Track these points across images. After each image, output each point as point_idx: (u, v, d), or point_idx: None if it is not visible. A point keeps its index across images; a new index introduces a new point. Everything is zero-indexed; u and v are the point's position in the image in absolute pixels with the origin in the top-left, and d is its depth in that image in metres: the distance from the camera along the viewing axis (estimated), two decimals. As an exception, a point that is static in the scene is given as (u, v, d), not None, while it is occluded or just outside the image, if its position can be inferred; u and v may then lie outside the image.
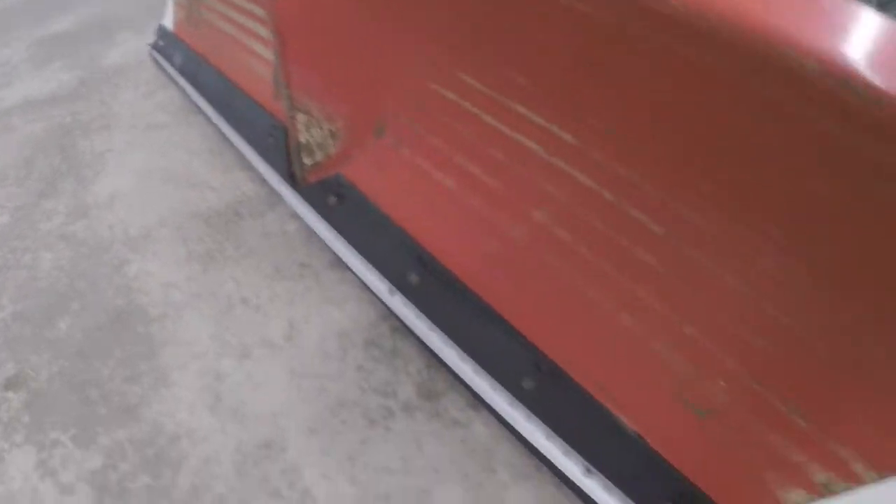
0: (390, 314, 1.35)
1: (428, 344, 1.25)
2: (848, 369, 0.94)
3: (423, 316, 1.26)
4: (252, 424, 1.30)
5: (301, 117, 1.47)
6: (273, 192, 1.66)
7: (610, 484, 1.08)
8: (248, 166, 1.77)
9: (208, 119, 2.05)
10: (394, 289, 1.30)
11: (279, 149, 1.53)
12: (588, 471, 1.09)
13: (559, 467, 1.11)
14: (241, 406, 1.33)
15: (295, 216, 1.57)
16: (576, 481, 1.10)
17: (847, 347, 0.94)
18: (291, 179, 1.50)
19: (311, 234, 1.53)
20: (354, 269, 1.38)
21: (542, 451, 1.12)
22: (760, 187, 0.95)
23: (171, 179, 1.87)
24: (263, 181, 1.69)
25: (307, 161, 1.48)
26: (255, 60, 1.77)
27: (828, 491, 0.97)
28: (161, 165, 1.94)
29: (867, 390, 0.92)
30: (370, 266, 1.35)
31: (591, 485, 1.08)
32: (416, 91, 1.33)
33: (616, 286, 1.09)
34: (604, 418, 1.12)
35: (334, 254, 1.47)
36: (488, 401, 1.18)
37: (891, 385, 0.90)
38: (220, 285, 1.52)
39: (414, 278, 1.30)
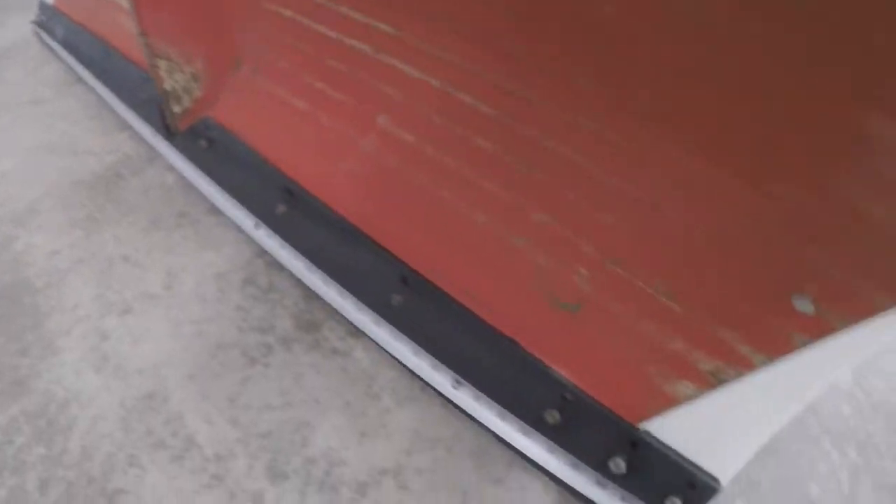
0: (265, 251, 1.26)
1: (294, 272, 1.16)
2: (720, 245, 0.84)
3: (287, 245, 1.16)
4: (135, 379, 1.20)
5: (163, 64, 1.35)
6: (151, 148, 1.55)
7: (481, 394, 0.99)
8: (128, 126, 1.66)
9: (89, 87, 1.93)
10: (259, 222, 1.20)
11: (151, 102, 1.42)
12: (457, 382, 1.00)
13: (431, 383, 1.03)
14: (124, 362, 1.23)
15: (173, 168, 1.46)
16: (447, 395, 1.01)
17: (716, 221, 0.83)
18: (166, 131, 1.39)
19: (189, 183, 1.42)
20: (227, 211, 1.28)
21: (413, 368, 1.04)
22: (591, 49, 0.84)
23: (55, 151, 1.75)
24: (142, 139, 1.58)
25: (176, 109, 1.37)
26: (124, 17, 1.64)
27: (718, 380, 0.88)
28: (45, 139, 1.82)
29: (745, 268, 0.82)
30: (239, 204, 1.25)
31: (462, 397, 1.00)
32: (258, 15, 1.22)
33: (464, 182, 1.00)
34: (476, 326, 1.03)
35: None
36: (355, 322, 1.09)
37: (771, 260, 0.80)
38: (102, 246, 1.41)
39: (281, 209, 1.19)
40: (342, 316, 1.12)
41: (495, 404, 0.96)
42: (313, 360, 1.12)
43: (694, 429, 0.96)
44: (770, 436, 0.93)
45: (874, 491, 1.18)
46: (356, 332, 1.14)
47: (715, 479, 0.96)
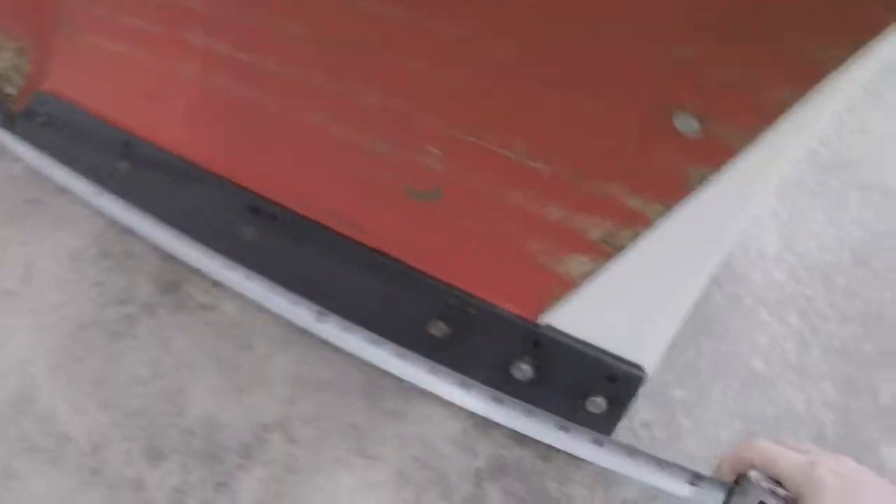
0: (116, 217, 1.01)
1: (145, 231, 0.91)
2: (570, 75, 0.61)
3: (132, 204, 0.92)
4: (2, 384, 0.95)
5: (-15, 46, 1.10)
6: (-3, 144, 1.30)
7: (350, 324, 0.75)
8: (-30, 133, 1.41)
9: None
10: (101, 188, 0.95)
11: (-18, 95, 1.16)
12: (320, 314, 0.76)
13: (293, 320, 0.79)
14: (-11, 370, 0.98)
15: (19, 156, 1.21)
16: (312, 331, 0.77)
17: (541, 39, 0.60)
18: (5, 118, 1.14)
19: (35, 167, 1.16)
20: (73, 185, 1.03)
21: (272, 307, 0.80)
22: None
23: None
24: (-14, 138, 1.32)
25: (10, 91, 1.12)
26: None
27: (613, 247, 0.65)
28: None
29: (599, 98, 0.60)
30: (82, 174, 1.00)
31: (328, 330, 0.76)
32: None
33: (286, 82, 0.76)
34: (335, 245, 0.79)
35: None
36: (207, 268, 0.84)
37: (629, 73, 0.58)
38: (-46, 261, 1.16)
39: (122, 167, 0.95)
40: (201, 266, 0.88)
41: (369, 330, 0.72)
42: (179, 322, 0.88)
43: (602, 312, 0.73)
44: (689, 305, 0.70)
45: (824, 357, 0.96)
46: (220, 280, 0.89)
47: (638, 367, 0.72)
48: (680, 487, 0.67)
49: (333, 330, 0.75)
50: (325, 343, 0.86)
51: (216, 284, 0.92)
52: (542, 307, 0.74)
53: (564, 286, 0.73)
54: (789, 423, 0.91)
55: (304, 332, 0.88)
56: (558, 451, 0.82)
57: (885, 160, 1.33)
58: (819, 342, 1.00)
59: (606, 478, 0.82)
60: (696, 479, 0.67)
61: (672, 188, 0.63)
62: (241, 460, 0.81)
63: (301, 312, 0.76)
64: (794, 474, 0.55)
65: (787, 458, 0.57)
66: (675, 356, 0.92)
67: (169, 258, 0.96)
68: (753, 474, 0.61)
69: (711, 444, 0.88)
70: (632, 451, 0.68)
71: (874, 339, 1.03)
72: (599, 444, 0.69)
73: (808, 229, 1.16)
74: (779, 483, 0.59)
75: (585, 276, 0.71)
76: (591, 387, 0.75)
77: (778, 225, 1.15)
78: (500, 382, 0.75)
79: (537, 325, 0.75)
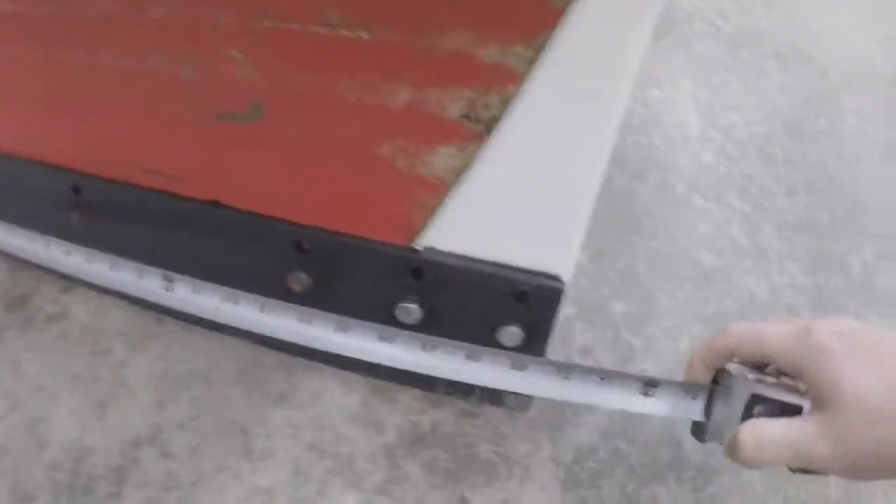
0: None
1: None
2: None
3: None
4: None
5: None
6: None
7: (201, 284, 0.50)
8: None
9: None
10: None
11: None
12: (168, 281, 0.51)
13: (141, 295, 0.53)
14: None
15: None
16: (165, 303, 0.52)
17: None
18: None
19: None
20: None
21: (118, 286, 0.54)
22: None
23: None
24: None
25: None
26: None
27: (481, 121, 0.40)
28: None
29: None
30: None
31: (178, 297, 0.51)
32: None
33: (59, 22, 0.50)
34: (169, 206, 0.54)
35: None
36: (45, 263, 0.59)
37: None
38: None
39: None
40: (46, 271, 0.63)
41: (223, 289, 0.47)
42: (29, 341, 0.64)
43: (489, 215, 0.47)
44: (598, 182, 0.44)
45: (779, 235, 0.70)
46: (69, 285, 0.64)
47: (551, 277, 0.47)
48: (642, 403, 0.42)
49: (182, 298, 0.50)
50: (189, 331, 0.61)
51: (64, 289, 0.67)
52: (415, 227, 0.49)
53: (435, 192, 0.48)
54: (756, 316, 0.66)
55: (163, 324, 0.63)
56: (483, 404, 0.57)
57: (795, 29, 1.08)
58: (769, 220, 0.75)
59: (549, 423, 0.57)
60: (650, 386, 0.42)
61: (532, 20, 0.38)
62: (112, 488, 0.57)
63: (148, 283, 0.51)
64: (786, 348, 0.36)
65: (774, 332, 0.37)
66: (605, 264, 0.67)
67: (15, 269, 0.71)
68: (733, 366, 0.40)
69: (671, 360, 0.64)
70: (564, 368, 0.43)
71: (829, 207, 0.78)
72: (522, 367, 0.44)
73: (729, 104, 0.90)
74: (765, 370, 0.39)
75: (457, 171, 0.46)
76: (498, 315, 0.50)
77: (696, 105, 0.89)
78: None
79: (414, 251, 0.50)
